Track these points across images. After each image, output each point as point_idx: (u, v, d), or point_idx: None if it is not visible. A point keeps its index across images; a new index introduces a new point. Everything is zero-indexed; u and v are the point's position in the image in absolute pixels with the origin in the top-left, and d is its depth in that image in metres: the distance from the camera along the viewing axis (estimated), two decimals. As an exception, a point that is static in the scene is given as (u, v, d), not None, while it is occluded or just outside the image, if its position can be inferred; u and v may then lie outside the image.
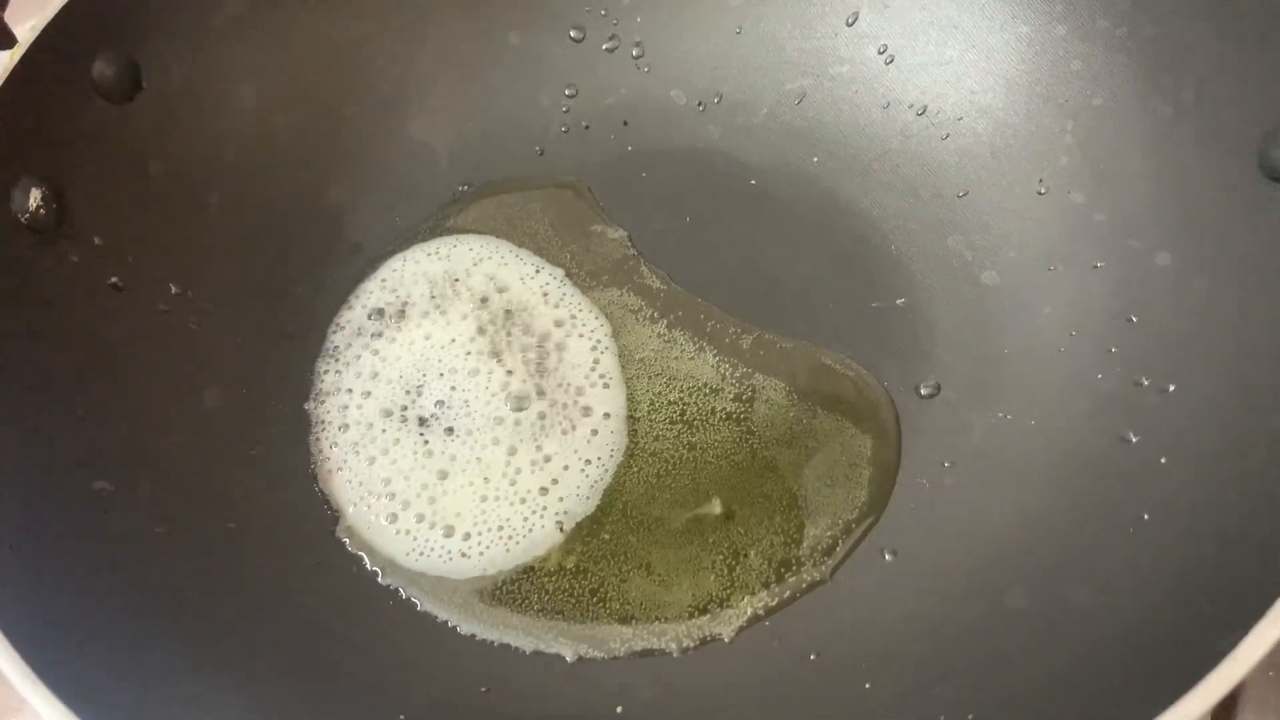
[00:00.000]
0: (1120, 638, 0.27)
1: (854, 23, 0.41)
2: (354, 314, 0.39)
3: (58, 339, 0.33)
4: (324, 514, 0.35)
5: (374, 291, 0.39)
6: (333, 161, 0.41)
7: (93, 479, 0.31)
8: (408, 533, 0.34)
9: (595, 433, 0.35)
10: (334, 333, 0.38)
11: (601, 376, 0.37)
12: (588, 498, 0.34)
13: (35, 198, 0.33)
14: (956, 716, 0.27)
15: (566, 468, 0.34)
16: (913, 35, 0.40)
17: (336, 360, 0.38)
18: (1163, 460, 0.30)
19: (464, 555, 0.33)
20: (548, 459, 0.35)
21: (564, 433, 0.35)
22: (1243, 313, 0.31)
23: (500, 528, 0.34)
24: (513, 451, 0.35)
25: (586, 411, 0.36)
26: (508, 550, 0.33)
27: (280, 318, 0.38)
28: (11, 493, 0.29)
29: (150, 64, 0.37)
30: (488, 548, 0.34)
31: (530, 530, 0.34)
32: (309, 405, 0.37)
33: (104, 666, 0.27)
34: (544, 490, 0.34)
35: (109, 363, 0.34)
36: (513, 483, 0.34)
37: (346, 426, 0.36)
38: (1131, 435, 0.32)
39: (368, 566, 0.34)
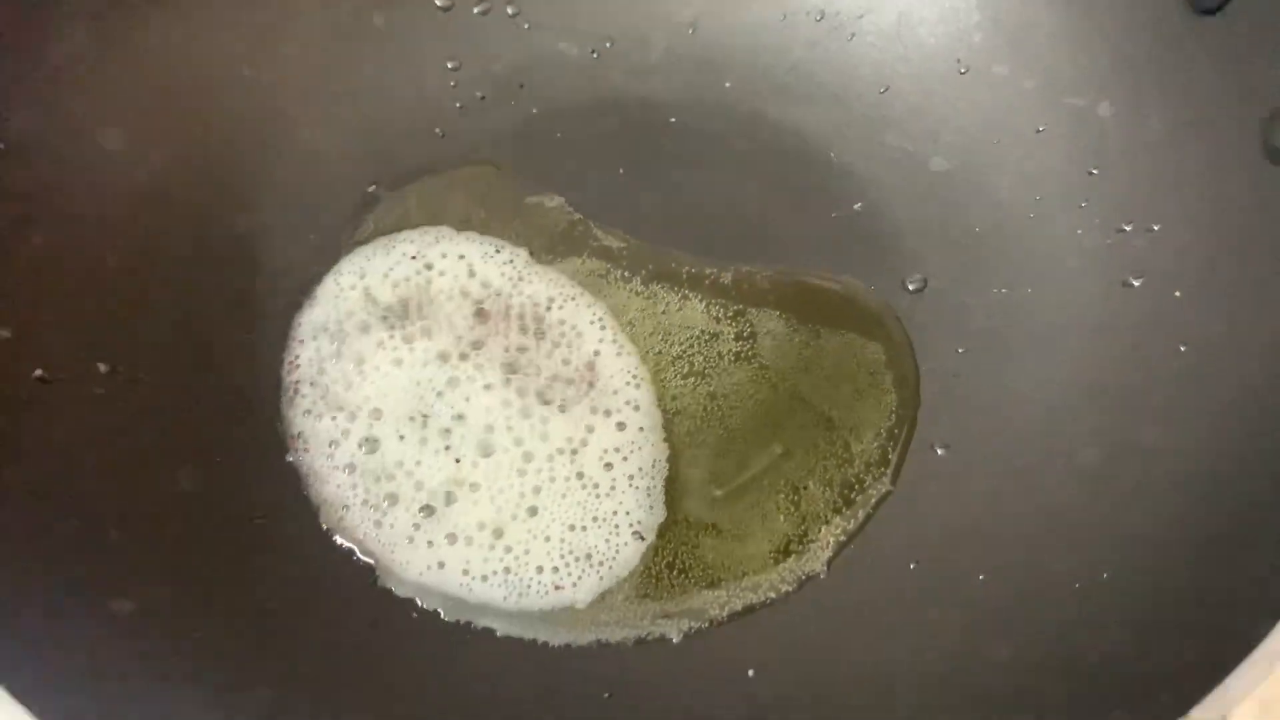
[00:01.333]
0: (1196, 474, 0.29)
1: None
2: (304, 348, 0.35)
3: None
4: (356, 566, 0.32)
5: (318, 318, 0.35)
6: (227, 190, 0.36)
7: (109, 599, 0.27)
8: (467, 573, 0.31)
9: (623, 426, 0.33)
10: (290, 373, 0.35)
11: (617, 349, 0.35)
12: (650, 502, 0.32)
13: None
14: (1090, 575, 0.28)
15: (615, 482, 0.33)
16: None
17: (305, 401, 0.34)
18: (1176, 293, 0.32)
19: (557, 588, 0.31)
20: (580, 473, 0.33)
21: (591, 430, 0.33)
22: (1200, 138, 0.32)
23: (588, 556, 0.32)
24: (552, 459, 0.33)
25: (610, 411, 0.34)
26: (600, 578, 0.31)
27: (226, 372, 0.34)
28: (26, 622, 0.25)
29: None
30: (580, 578, 0.31)
31: (616, 552, 0.32)
32: (293, 457, 0.33)
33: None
34: (606, 495, 0.32)
35: (66, 464, 0.29)
36: (573, 501, 0.32)
37: (353, 467, 0.33)
38: (1133, 279, 0.33)
39: (422, 605, 0.31)
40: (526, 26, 0.41)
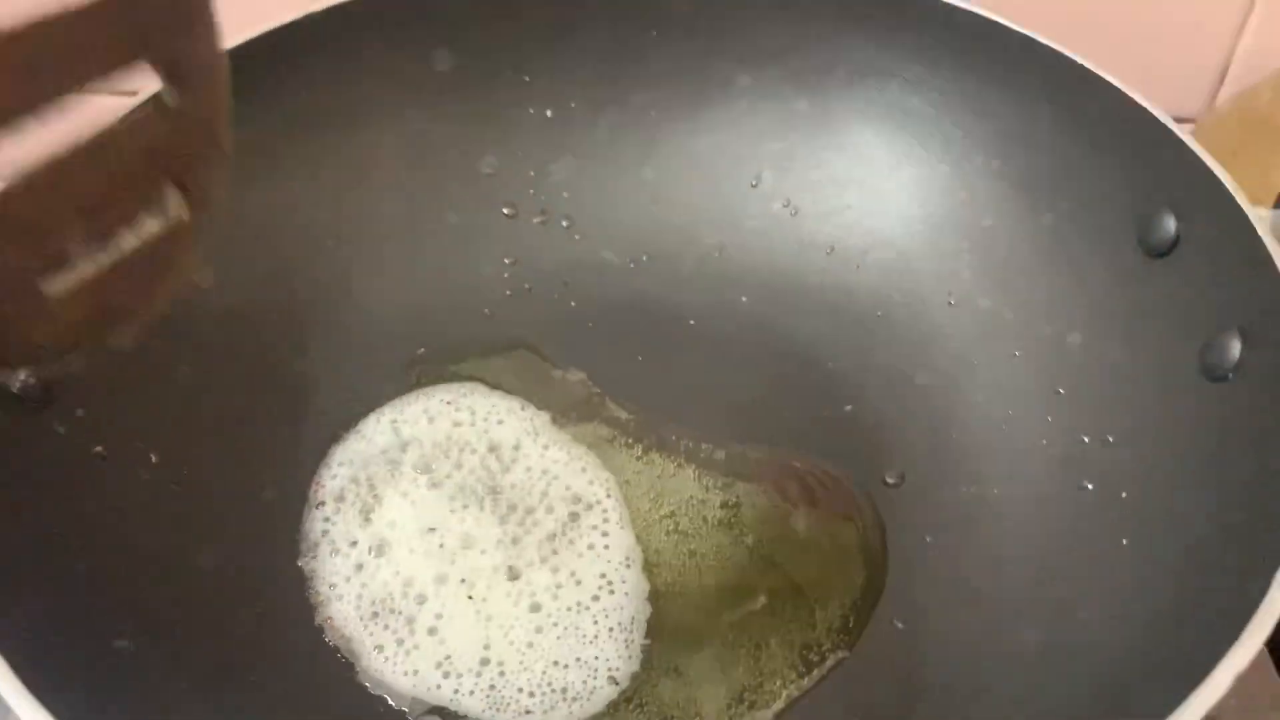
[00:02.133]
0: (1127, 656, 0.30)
1: (757, 184, 0.47)
2: (334, 473, 0.39)
3: (51, 505, 0.32)
4: (338, 661, 0.34)
5: (351, 450, 0.40)
6: (292, 332, 0.42)
7: (112, 638, 0.30)
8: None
9: (608, 583, 0.36)
10: (316, 492, 0.39)
11: (605, 518, 0.38)
12: (629, 653, 0.35)
13: (23, 372, 0.33)
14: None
15: (598, 632, 0.35)
16: (812, 190, 0.46)
17: (323, 514, 0.38)
18: (1123, 494, 0.34)
19: (528, 712, 0.33)
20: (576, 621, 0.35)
21: (580, 583, 0.36)
22: (1152, 361, 0.36)
23: (564, 690, 0.34)
24: (556, 597, 0.36)
25: (603, 578, 0.37)
26: (570, 713, 0.34)
27: (260, 481, 0.38)
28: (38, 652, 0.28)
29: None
30: (551, 708, 0.34)
31: (590, 693, 0.34)
32: (303, 563, 0.37)
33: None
34: (590, 641, 0.35)
35: (101, 529, 0.33)
36: (565, 642, 0.35)
37: (359, 570, 0.36)
38: (1088, 484, 0.36)
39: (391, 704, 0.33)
40: (577, 237, 0.47)
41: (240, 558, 0.36)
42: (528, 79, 0.46)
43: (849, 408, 0.42)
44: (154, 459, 0.36)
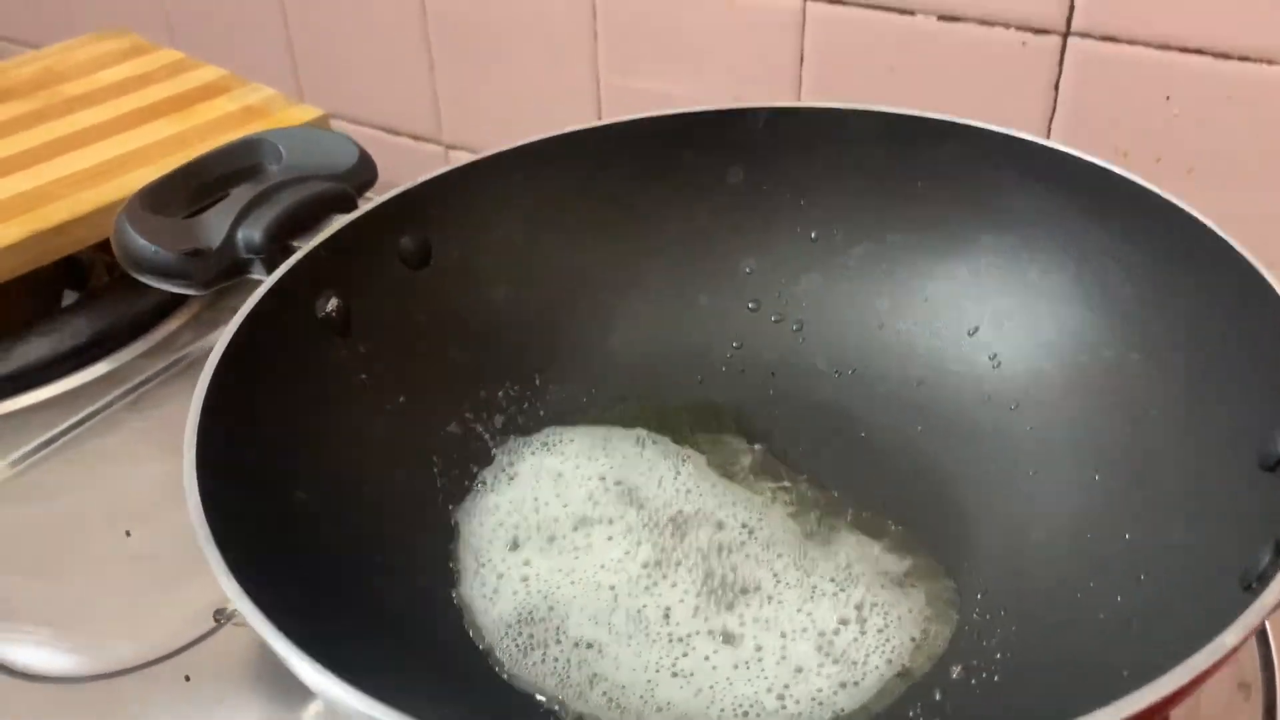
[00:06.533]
0: None
1: (974, 334, 0.51)
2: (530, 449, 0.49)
3: (309, 398, 0.46)
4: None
5: (547, 446, 0.50)
6: (544, 353, 0.53)
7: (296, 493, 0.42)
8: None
9: None
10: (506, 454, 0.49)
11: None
12: None
13: (333, 305, 0.47)
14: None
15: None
16: (1019, 349, 0.49)
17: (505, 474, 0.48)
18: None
19: None
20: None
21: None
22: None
23: None
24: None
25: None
26: None
27: (471, 441, 0.50)
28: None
29: (441, 250, 0.51)
30: None
31: None
32: (456, 518, 0.47)
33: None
34: None
35: (338, 433, 0.46)
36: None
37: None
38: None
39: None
40: (801, 341, 0.54)
41: (414, 486, 0.47)
42: (803, 203, 0.55)
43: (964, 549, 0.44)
44: (401, 399, 0.49)
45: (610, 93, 0.74)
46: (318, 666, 0.30)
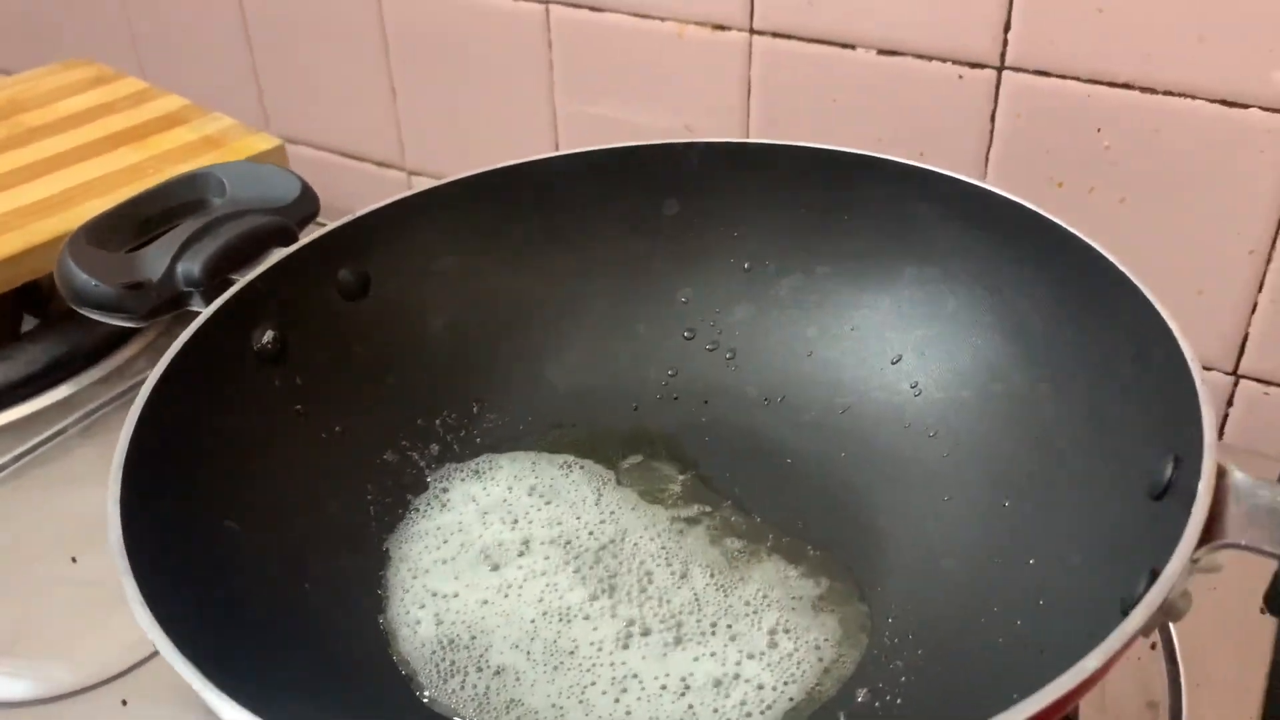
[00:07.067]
0: None
1: (897, 362, 0.52)
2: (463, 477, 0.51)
3: (243, 428, 0.47)
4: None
5: (478, 474, 0.51)
6: (482, 382, 0.55)
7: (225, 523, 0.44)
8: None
9: None
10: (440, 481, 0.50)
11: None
12: None
13: (268, 337, 0.48)
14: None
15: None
16: (938, 377, 0.51)
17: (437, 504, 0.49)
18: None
19: None
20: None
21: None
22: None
23: None
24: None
25: None
26: None
27: (406, 469, 0.51)
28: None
29: (379, 282, 0.53)
30: None
31: None
32: (387, 544, 0.48)
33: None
34: None
35: (271, 461, 0.47)
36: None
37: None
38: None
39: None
40: (733, 368, 0.55)
41: (348, 514, 0.48)
42: (736, 235, 0.56)
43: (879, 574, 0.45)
44: (338, 429, 0.50)
45: (567, 119, 0.76)
46: (230, 702, 0.31)
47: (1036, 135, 0.61)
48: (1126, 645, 0.30)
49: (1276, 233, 0.57)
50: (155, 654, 0.46)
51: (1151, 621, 0.31)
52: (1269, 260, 0.58)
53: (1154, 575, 0.34)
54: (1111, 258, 0.44)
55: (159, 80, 0.80)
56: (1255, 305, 0.59)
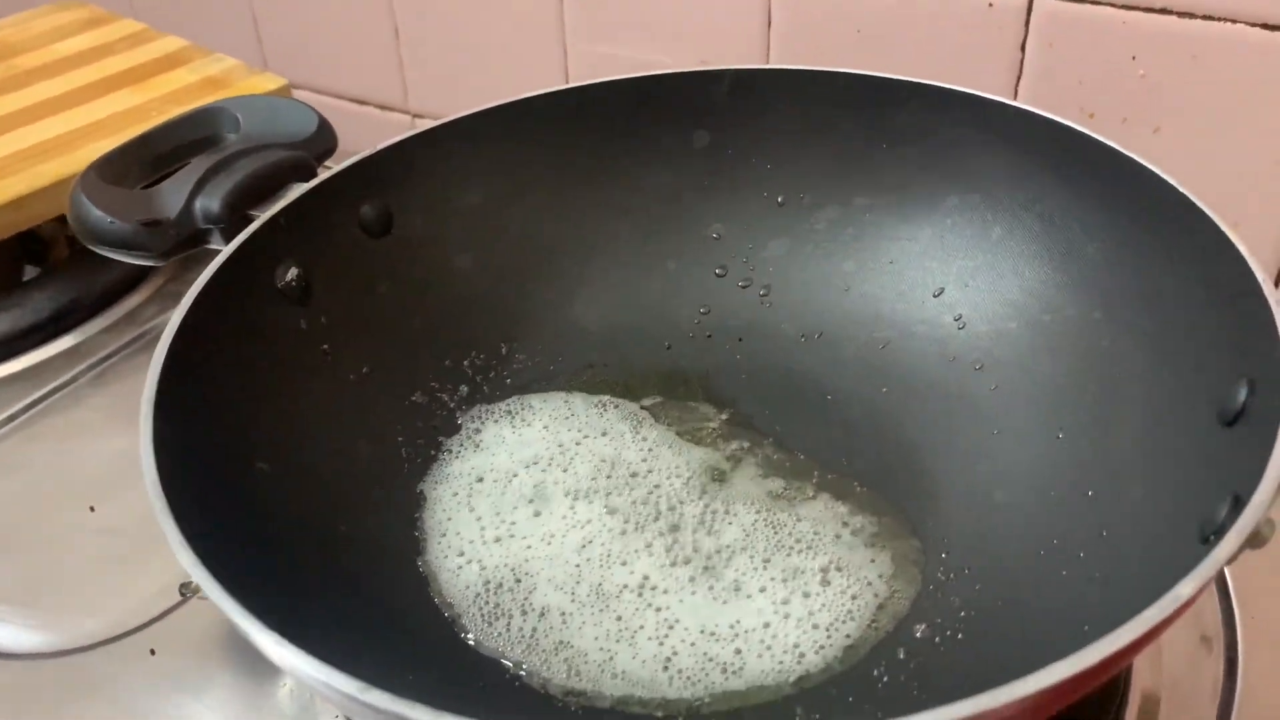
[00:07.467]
0: None
1: (939, 295, 0.50)
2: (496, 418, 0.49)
3: (270, 369, 0.45)
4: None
5: (511, 414, 0.49)
6: (511, 322, 0.53)
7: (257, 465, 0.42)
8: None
9: None
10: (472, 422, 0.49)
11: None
12: None
13: (292, 275, 0.47)
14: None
15: None
16: (983, 309, 0.49)
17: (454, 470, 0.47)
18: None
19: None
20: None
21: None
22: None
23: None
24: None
25: None
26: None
27: (437, 411, 0.49)
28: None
29: (402, 218, 0.51)
30: None
31: None
32: (423, 486, 0.47)
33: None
34: None
35: (298, 403, 0.46)
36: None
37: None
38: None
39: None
40: (768, 306, 0.54)
41: (379, 456, 0.46)
42: (770, 167, 0.54)
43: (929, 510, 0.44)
44: (365, 370, 0.48)
45: (577, 59, 0.74)
46: (277, 638, 0.30)
47: (1068, 65, 0.59)
48: (1217, 570, 0.29)
49: (1314, 161, 0.56)
50: (181, 602, 0.45)
51: (1239, 549, 0.30)
52: (1305, 189, 0.57)
53: (1237, 501, 0.32)
54: (1171, 180, 0.42)
55: (154, 24, 0.77)
56: (1290, 235, 0.58)
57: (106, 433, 0.55)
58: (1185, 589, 0.28)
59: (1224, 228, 0.39)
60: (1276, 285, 0.60)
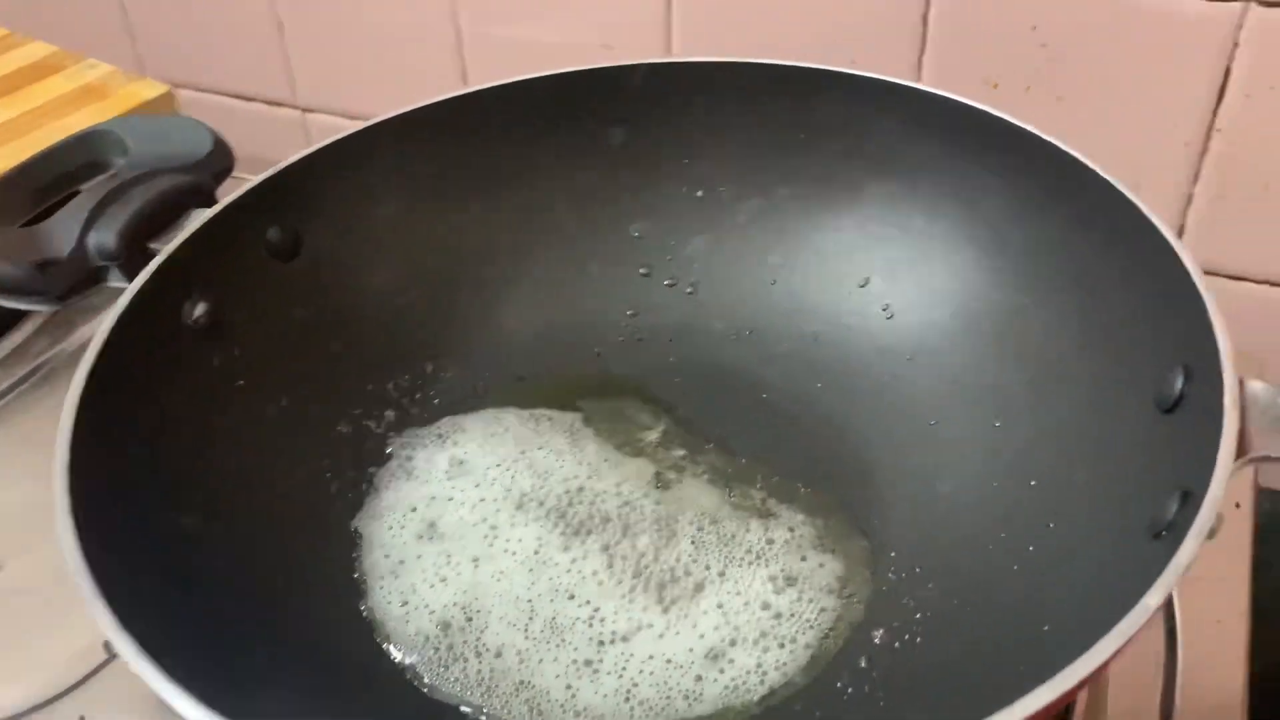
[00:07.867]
0: None
1: (865, 285, 0.50)
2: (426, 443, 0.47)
3: (186, 413, 0.43)
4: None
5: (442, 438, 0.48)
6: (434, 338, 0.51)
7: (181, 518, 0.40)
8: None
9: None
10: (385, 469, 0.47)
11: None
12: None
13: (200, 310, 0.44)
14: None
15: None
16: (911, 299, 0.49)
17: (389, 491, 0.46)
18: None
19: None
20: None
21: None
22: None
23: None
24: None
25: None
26: None
27: (364, 440, 0.47)
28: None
29: (311, 239, 0.49)
30: None
31: None
32: (355, 524, 0.45)
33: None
34: None
35: (220, 444, 0.43)
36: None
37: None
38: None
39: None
40: (696, 303, 0.53)
41: (308, 495, 0.44)
42: (687, 161, 0.53)
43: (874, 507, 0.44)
44: (284, 402, 0.46)
45: (473, 41, 0.71)
46: (205, 710, 0.28)
47: (970, 35, 0.59)
48: (1179, 576, 0.30)
49: (1210, 124, 0.57)
50: (108, 660, 0.43)
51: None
52: (1203, 153, 0.58)
53: (1186, 496, 0.33)
54: (1094, 166, 0.42)
55: (11, 28, 0.72)
56: (1190, 198, 0.59)
57: (8, 482, 0.52)
58: (1153, 599, 0.29)
59: (1150, 215, 0.40)
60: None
